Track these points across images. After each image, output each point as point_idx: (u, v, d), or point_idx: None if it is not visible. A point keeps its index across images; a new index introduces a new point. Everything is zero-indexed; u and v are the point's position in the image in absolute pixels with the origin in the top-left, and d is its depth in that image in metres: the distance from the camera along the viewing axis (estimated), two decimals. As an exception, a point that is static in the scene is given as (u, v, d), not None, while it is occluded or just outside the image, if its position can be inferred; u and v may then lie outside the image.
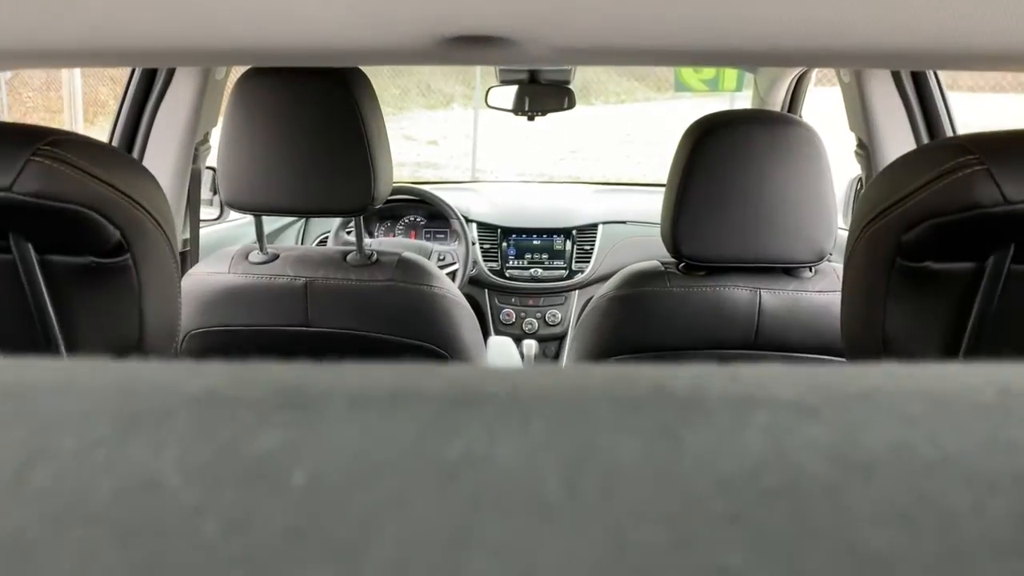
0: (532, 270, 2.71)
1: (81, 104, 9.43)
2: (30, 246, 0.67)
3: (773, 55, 0.82)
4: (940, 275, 0.67)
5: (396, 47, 0.73)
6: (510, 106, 2.50)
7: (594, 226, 2.74)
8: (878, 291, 0.69)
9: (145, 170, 0.76)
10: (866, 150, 1.69)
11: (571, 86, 2.49)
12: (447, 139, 11.59)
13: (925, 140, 1.61)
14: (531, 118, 2.53)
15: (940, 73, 1.64)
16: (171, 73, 1.68)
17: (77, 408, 0.18)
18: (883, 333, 0.70)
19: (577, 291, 2.73)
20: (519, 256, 2.73)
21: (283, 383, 0.21)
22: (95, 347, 0.72)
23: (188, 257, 1.80)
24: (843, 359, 1.34)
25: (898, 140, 1.62)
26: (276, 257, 1.40)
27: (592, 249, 2.72)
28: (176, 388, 0.20)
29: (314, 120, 1.26)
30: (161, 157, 1.69)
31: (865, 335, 0.72)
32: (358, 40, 0.71)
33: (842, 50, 0.75)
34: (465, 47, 0.69)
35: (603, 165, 10.87)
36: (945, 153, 0.64)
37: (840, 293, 1.33)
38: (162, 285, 0.74)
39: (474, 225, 2.73)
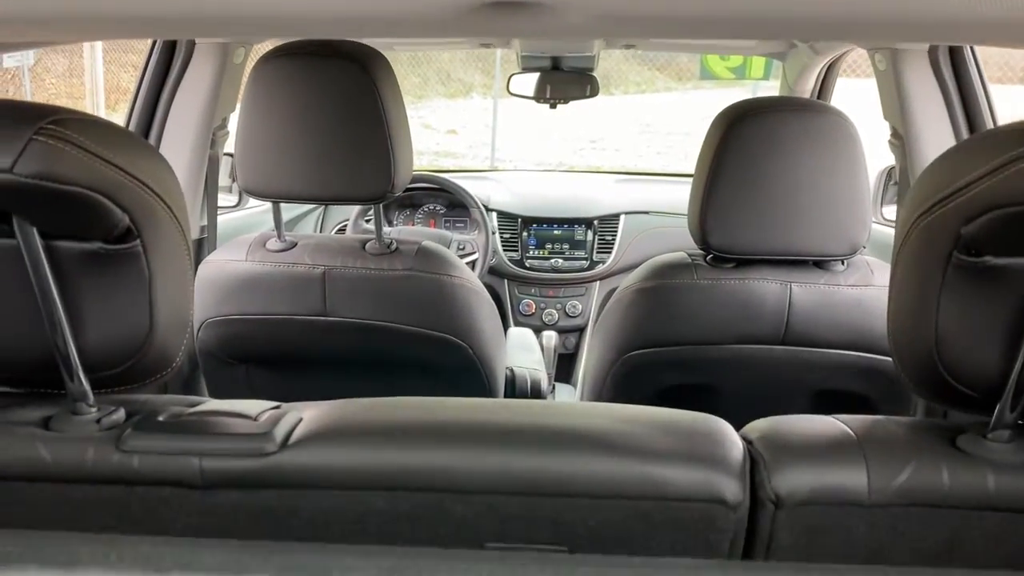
0: (552, 260, 2.68)
1: (103, 91, 9.46)
2: (35, 231, 0.64)
3: (828, 25, 0.77)
4: (1001, 271, 0.63)
5: (424, 15, 0.70)
6: (531, 93, 2.46)
7: (616, 216, 2.70)
8: (931, 287, 0.65)
9: (156, 152, 0.73)
10: (901, 140, 1.64)
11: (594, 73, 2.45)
12: (466, 128, 11.54)
13: (963, 129, 1.56)
14: (553, 106, 2.49)
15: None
16: (188, 56, 1.65)
17: None
18: (935, 332, 0.65)
19: (598, 282, 2.70)
20: (539, 246, 2.70)
21: None
22: (103, 337, 0.69)
23: (205, 244, 1.78)
24: (875, 355, 1.30)
25: (936, 129, 1.57)
26: (294, 245, 1.37)
27: (614, 240, 2.68)
28: None
29: (333, 104, 1.23)
30: (178, 142, 1.67)
31: (915, 333, 0.68)
32: (385, 7, 0.67)
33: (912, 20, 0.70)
34: (497, 15, 0.65)
35: (623, 155, 10.79)
36: (1010, 139, 0.59)
37: (873, 287, 1.30)
38: (174, 273, 0.71)
39: (494, 214, 2.70)
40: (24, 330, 0.68)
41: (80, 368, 0.68)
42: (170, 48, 1.67)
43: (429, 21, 0.73)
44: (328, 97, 1.23)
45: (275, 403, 0.76)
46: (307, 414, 0.74)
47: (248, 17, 0.76)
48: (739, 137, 1.21)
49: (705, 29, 0.85)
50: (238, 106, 1.35)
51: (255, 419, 0.71)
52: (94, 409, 0.71)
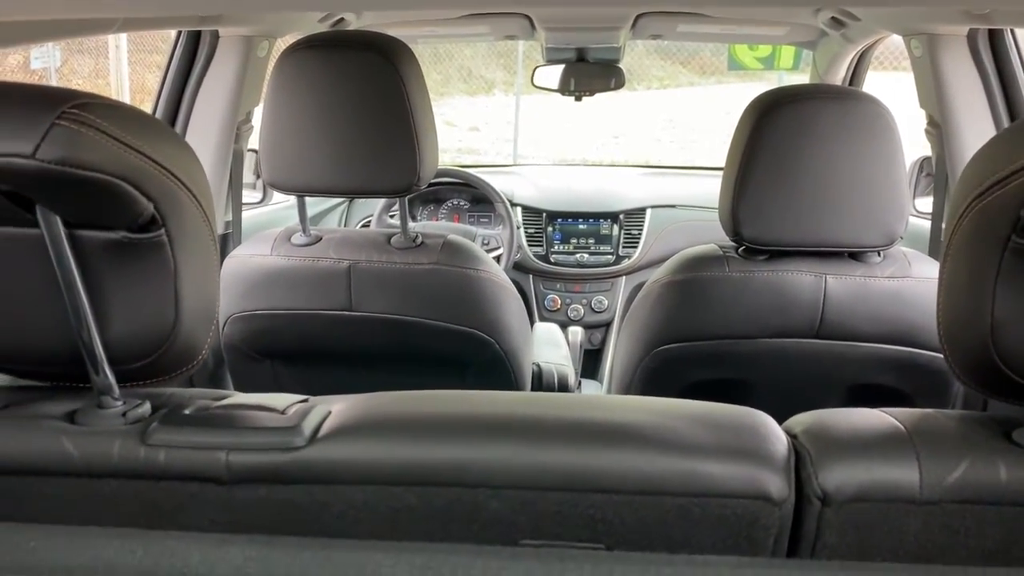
0: (578, 255, 2.65)
1: (128, 91, 9.56)
2: (58, 220, 0.62)
3: None
4: None
5: None
6: (556, 86, 2.43)
7: (642, 210, 2.67)
8: (987, 273, 0.62)
9: (181, 139, 0.72)
10: (938, 128, 1.59)
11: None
12: (488, 125, 11.51)
13: (1004, 117, 1.51)
14: (578, 98, 2.46)
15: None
16: (212, 50, 1.64)
17: None
18: (991, 320, 0.62)
19: (624, 277, 2.67)
20: (564, 241, 2.67)
21: None
22: (128, 329, 0.68)
23: (230, 239, 1.77)
24: (913, 349, 1.27)
25: (975, 117, 1.52)
26: (319, 239, 1.36)
27: (640, 234, 2.65)
28: None
29: (357, 96, 1.22)
30: (202, 136, 1.66)
31: (968, 322, 0.65)
32: None
33: None
34: None
35: (646, 150, 10.72)
36: None
37: (911, 279, 1.26)
38: (200, 263, 0.70)
39: (519, 209, 2.68)
40: (48, 322, 0.67)
41: (105, 361, 0.67)
42: (194, 42, 1.67)
43: None
44: (352, 89, 1.22)
45: (303, 396, 0.74)
46: (336, 407, 0.72)
47: None
48: (772, 125, 1.18)
49: None
50: (262, 101, 1.34)
51: (283, 412, 0.69)
52: (120, 403, 0.70)
